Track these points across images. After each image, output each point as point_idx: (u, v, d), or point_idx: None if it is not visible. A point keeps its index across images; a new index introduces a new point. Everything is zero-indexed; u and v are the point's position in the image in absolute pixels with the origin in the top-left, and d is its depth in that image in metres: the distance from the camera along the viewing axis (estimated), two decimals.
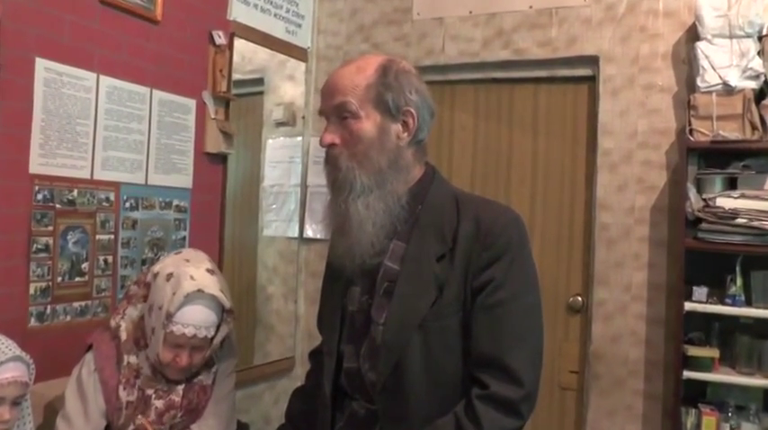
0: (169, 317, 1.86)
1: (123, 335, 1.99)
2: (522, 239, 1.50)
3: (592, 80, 3.18)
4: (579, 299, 3.20)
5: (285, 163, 3.55)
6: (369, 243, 1.49)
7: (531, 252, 1.52)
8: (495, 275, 1.44)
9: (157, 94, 2.76)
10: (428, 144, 1.60)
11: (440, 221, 1.50)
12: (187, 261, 1.97)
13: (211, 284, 1.92)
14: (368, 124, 1.48)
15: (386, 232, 1.50)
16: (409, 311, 1.46)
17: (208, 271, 1.96)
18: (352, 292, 1.59)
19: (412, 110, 1.51)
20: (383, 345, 1.48)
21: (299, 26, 3.55)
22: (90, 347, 2.00)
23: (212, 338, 1.95)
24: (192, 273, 1.91)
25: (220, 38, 3.00)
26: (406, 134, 1.51)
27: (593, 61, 3.14)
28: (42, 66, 2.31)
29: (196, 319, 1.88)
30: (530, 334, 1.46)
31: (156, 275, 1.96)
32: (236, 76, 3.12)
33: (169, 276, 1.91)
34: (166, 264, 1.98)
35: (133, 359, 1.97)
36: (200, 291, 1.88)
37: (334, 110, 1.50)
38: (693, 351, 2.65)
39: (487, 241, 1.45)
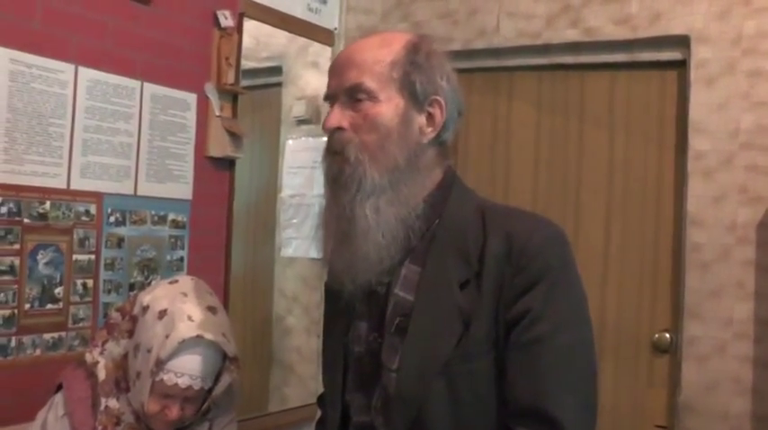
0: (159, 364, 1.84)
1: (101, 374, 1.98)
2: (565, 259, 1.46)
3: (681, 65, 3.13)
4: (667, 336, 3.14)
5: (308, 168, 3.56)
6: (377, 258, 1.45)
7: (578, 274, 1.48)
8: (531, 306, 1.39)
9: (149, 87, 2.79)
10: (463, 149, 1.59)
11: (462, 239, 1.47)
12: (184, 295, 1.95)
13: (213, 327, 1.90)
14: (388, 109, 1.46)
15: (398, 246, 1.46)
16: (429, 354, 1.43)
17: (209, 309, 1.94)
18: (356, 328, 1.56)
19: (441, 100, 1.49)
20: (398, 397, 1.45)
21: (324, 3, 3.57)
22: (59, 387, 2.00)
23: (210, 389, 1.94)
24: (189, 313, 1.89)
25: (227, 19, 3.02)
26: (430, 129, 1.50)
27: (682, 42, 3.08)
28: (7, 56, 2.34)
29: (192, 369, 1.87)
30: (578, 376, 1.42)
31: (145, 309, 1.94)
32: (248, 65, 3.15)
33: (162, 313, 1.90)
34: (158, 295, 1.96)
35: (113, 403, 1.96)
36: (199, 336, 1.86)
37: (346, 91, 1.48)
38: None
39: (521, 262, 1.41)
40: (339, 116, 1.48)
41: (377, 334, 1.52)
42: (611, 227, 3.27)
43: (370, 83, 1.45)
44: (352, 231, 1.45)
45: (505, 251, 1.43)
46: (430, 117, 1.49)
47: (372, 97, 1.46)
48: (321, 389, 3.64)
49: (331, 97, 1.51)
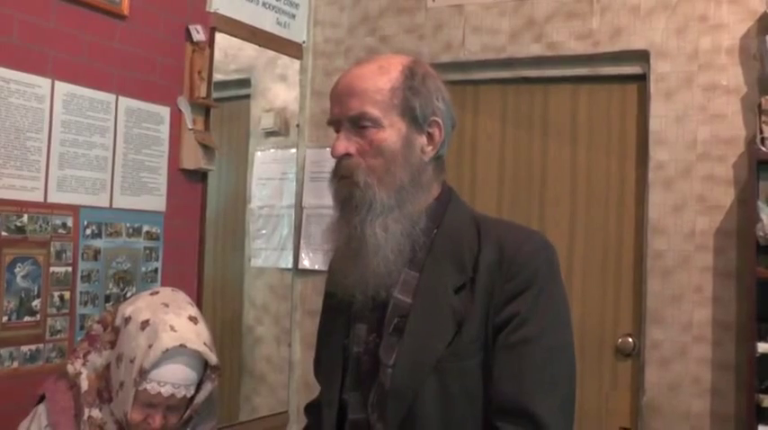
0: (143, 373, 1.86)
1: (84, 385, 1.99)
2: (552, 268, 1.54)
3: (641, 79, 3.21)
4: (630, 340, 3.21)
5: (276, 180, 3.59)
6: (386, 272, 1.52)
7: (563, 283, 1.56)
8: (519, 309, 1.47)
9: (124, 101, 2.81)
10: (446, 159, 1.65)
11: (458, 247, 1.55)
12: (166, 306, 1.97)
13: (195, 337, 1.92)
14: (392, 134, 1.53)
15: (404, 259, 1.54)
16: (423, 351, 1.50)
17: (191, 319, 1.96)
18: (356, 331, 1.62)
19: (439, 120, 1.57)
20: (392, 391, 1.51)
21: (293, 17, 3.61)
22: (42, 398, 2.01)
23: (192, 397, 1.97)
24: (172, 323, 1.91)
25: (199, 33, 3.05)
26: (430, 148, 1.57)
27: (642, 57, 3.16)
28: None
29: (175, 378, 1.89)
30: (559, 377, 1.49)
31: (127, 320, 1.96)
32: (217, 77, 3.17)
33: (144, 324, 1.91)
34: (140, 307, 1.98)
35: (96, 413, 1.96)
36: (182, 346, 1.89)
37: (350, 119, 1.54)
38: None
39: (512, 270, 1.49)
40: (346, 143, 1.54)
41: (376, 334, 1.58)
42: (575, 235, 3.33)
43: (373, 111, 1.52)
44: (363, 249, 1.52)
45: (497, 259, 1.51)
46: (429, 136, 1.56)
47: (377, 124, 1.52)
48: (292, 399, 3.67)
49: (335, 123, 1.58)
